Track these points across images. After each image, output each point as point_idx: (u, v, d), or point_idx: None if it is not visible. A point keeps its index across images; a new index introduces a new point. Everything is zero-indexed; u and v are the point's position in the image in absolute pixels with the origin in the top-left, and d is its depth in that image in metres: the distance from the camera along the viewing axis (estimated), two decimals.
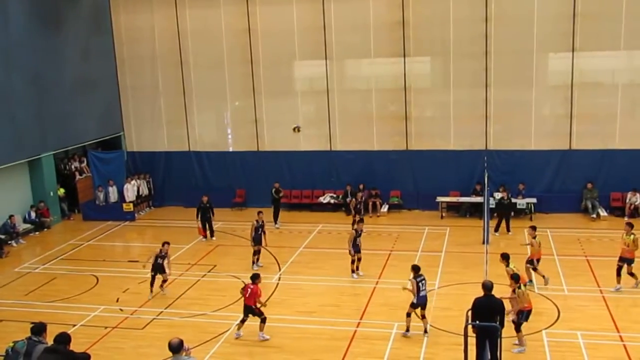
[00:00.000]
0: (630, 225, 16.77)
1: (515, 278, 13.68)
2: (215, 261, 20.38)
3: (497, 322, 11.76)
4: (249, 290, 14.44)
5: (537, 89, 24.11)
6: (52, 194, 25.48)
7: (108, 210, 26.05)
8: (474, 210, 24.28)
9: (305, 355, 13.89)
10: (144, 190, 27.37)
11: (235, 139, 27.62)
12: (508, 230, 22.07)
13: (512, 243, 20.32)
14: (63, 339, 9.74)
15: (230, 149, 27.63)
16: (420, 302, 14.21)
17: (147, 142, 28.32)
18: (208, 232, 22.72)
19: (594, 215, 23.36)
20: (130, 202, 26.04)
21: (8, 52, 22.80)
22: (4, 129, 22.61)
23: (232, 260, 20.44)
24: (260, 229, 19.52)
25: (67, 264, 20.89)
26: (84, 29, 26.65)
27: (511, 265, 14.88)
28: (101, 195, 26.28)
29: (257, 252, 19.56)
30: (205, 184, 27.28)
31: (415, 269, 14.30)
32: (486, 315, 11.90)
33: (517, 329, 13.51)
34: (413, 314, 14.38)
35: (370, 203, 25.23)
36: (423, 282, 14.22)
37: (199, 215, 22.57)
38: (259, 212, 20.08)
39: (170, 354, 9.15)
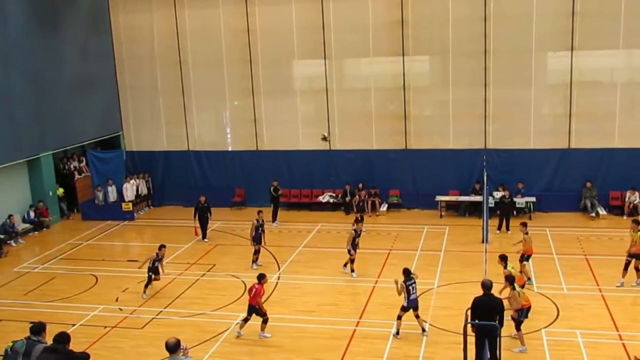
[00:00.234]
0: (637, 223, 16.88)
1: (510, 280, 13.69)
2: (214, 260, 20.38)
3: (497, 321, 11.77)
4: (254, 290, 14.46)
5: (536, 87, 24.11)
6: (51, 193, 25.47)
7: (107, 209, 26.04)
8: (473, 209, 24.29)
9: (305, 355, 13.89)
10: (143, 190, 27.35)
11: (235, 138, 27.62)
12: (508, 229, 22.08)
13: (511, 242, 20.28)
14: (62, 338, 9.76)
15: (230, 149, 27.63)
16: (410, 305, 14.21)
17: (146, 141, 28.31)
18: (201, 234, 22.53)
19: (593, 214, 23.37)
20: (129, 201, 26.04)
21: (7, 52, 22.79)
22: (3, 129, 22.59)
23: (231, 259, 20.43)
24: (260, 228, 19.52)
25: (66, 263, 20.88)
26: (83, 28, 26.64)
27: (509, 267, 14.84)
28: (100, 195, 26.27)
29: (257, 252, 19.56)
30: (204, 184, 27.29)
31: (406, 272, 14.27)
32: (485, 314, 11.91)
33: (517, 327, 13.52)
34: (407, 316, 14.35)
35: (370, 202, 25.25)
36: (413, 285, 14.18)
37: (197, 215, 22.54)
38: (259, 212, 20.07)
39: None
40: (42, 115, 24.36)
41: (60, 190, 26.39)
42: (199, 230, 22.52)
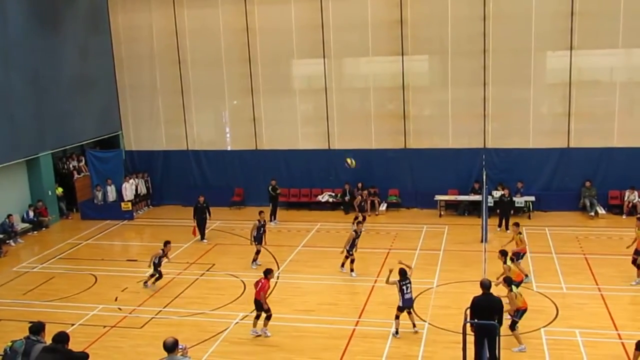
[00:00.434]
0: None
1: (507, 282, 13.80)
2: (213, 260, 20.38)
3: (496, 321, 11.78)
4: (260, 284, 14.47)
5: (535, 87, 24.12)
6: (50, 193, 25.46)
7: (106, 209, 26.03)
8: (473, 209, 24.30)
9: (304, 354, 13.89)
10: (142, 189, 27.34)
11: (234, 137, 27.60)
12: (507, 228, 22.07)
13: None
14: (61, 338, 9.74)
15: (229, 148, 27.62)
16: (405, 305, 14.25)
17: (146, 141, 28.30)
18: (199, 234, 22.49)
19: (592, 214, 23.38)
20: (128, 201, 26.03)
21: (6, 51, 22.77)
22: (2, 129, 22.57)
23: (230, 259, 20.43)
24: (262, 229, 19.52)
25: (66, 263, 20.87)
26: (82, 28, 26.63)
27: (509, 262, 15.05)
28: (99, 195, 26.27)
29: (258, 252, 19.53)
30: (203, 183, 27.30)
31: (402, 273, 14.29)
32: (485, 313, 11.92)
33: (512, 327, 13.56)
34: (405, 316, 14.39)
35: (369, 201, 25.24)
36: (408, 285, 14.21)
37: (195, 216, 22.52)
38: (261, 212, 20.09)
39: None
40: (41, 114, 24.35)
41: (60, 190, 26.38)
42: (198, 231, 22.52)
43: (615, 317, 14.99)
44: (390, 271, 14.33)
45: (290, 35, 25.74)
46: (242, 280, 18.32)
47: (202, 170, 27.59)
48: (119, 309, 16.76)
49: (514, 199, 23.30)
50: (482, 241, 20.06)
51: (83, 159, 27.78)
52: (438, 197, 24.69)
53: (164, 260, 18.20)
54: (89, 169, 27.05)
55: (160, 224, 25.33)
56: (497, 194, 23.01)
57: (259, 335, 14.64)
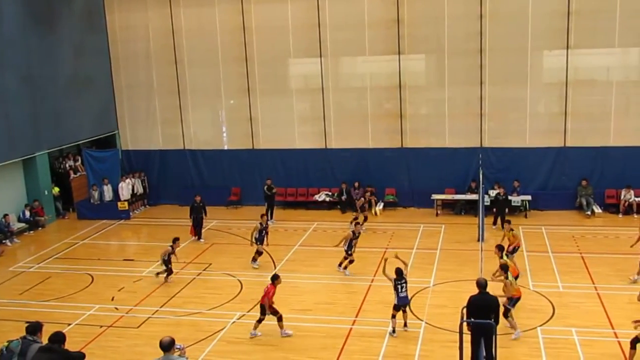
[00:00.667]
0: None
1: (504, 268, 14.21)
2: (210, 259, 20.35)
3: (492, 320, 11.80)
4: (265, 289, 14.54)
5: (532, 86, 24.14)
6: (46, 192, 25.39)
7: (103, 208, 25.99)
8: (469, 208, 24.34)
9: (301, 353, 13.89)
10: (139, 189, 27.30)
11: (230, 137, 27.58)
12: (503, 226, 22.07)
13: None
14: (58, 338, 9.73)
15: (225, 147, 27.59)
16: (401, 303, 14.29)
17: (142, 140, 28.24)
18: (196, 234, 22.42)
19: (589, 212, 23.41)
20: (125, 200, 25.99)
21: (1, 50, 22.71)
22: None
23: (227, 258, 20.41)
24: (263, 231, 19.49)
25: (62, 262, 20.83)
26: (78, 27, 26.57)
27: (504, 257, 15.35)
28: (96, 194, 26.22)
29: (260, 253, 19.47)
30: (200, 182, 27.28)
31: (398, 272, 14.31)
32: (481, 312, 11.93)
33: (505, 315, 13.66)
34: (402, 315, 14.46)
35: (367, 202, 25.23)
36: (403, 284, 14.23)
37: (192, 215, 22.49)
38: (263, 215, 20.14)
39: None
40: (37, 114, 24.30)
41: (56, 190, 26.32)
42: (195, 230, 22.49)
43: (612, 315, 15.02)
44: (386, 260, 14.48)
45: (287, 35, 25.72)
46: (239, 280, 18.31)
47: (199, 170, 27.56)
48: (116, 308, 16.73)
49: (511, 197, 23.31)
50: (478, 240, 20.05)
51: (79, 158, 27.74)
52: (435, 196, 24.70)
53: (173, 257, 18.43)
54: (85, 169, 27.00)
55: (157, 224, 25.29)
56: (493, 193, 23.04)
57: (256, 336, 14.60)
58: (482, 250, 17.02)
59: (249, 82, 26.41)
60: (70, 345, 10.33)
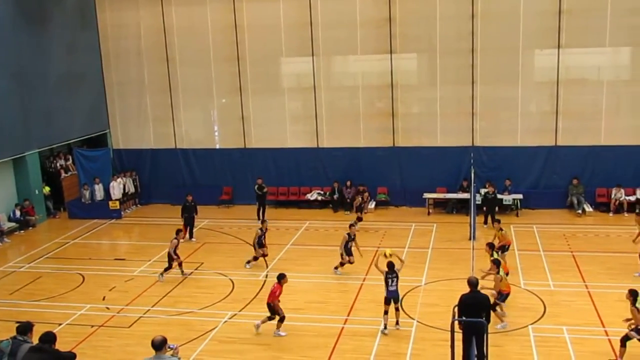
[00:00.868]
0: None
1: (496, 263, 14.64)
2: (202, 259, 20.30)
3: (483, 318, 11.83)
4: (272, 288, 14.54)
5: (523, 85, 24.21)
6: (37, 192, 25.26)
7: (94, 208, 25.87)
8: (461, 207, 24.40)
9: (293, 352, 13.89)
10: (130, 188, 27.19)
11: (222, 136, 27.52)
12: (493, 225, 22.15)
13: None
14: (48, 338, 9.69)
15: (217, 146, 27.53)
16: (390, 296, 14.34)
17: (133, 139, 28.14)
18: (187, 234, 22.34)
19: (580, 211, 23.50)
20: (116, 200, 25.89)
21: None
22: None
23: (219, 257, 20.37)
24: (262, 237, 19.44)
25: (53, 262, 20.73)
26: (69, 25, 26.42)
27: (495, 255, 15.46)
28: (87, 193, 26.11)
29: (263, 255, 19.44)
30: (192, 182, 27.21)
31: (390, 266, 14.39)
32: (472, 311, 11.95)
33: (493, 308, 13.80)
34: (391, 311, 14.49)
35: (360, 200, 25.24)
36: (393, 278, 14.31)
37: (184, 214, 22.43)
38: (264, 221, 20.19)
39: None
40: (28, 112, 24.16)
41: (47, 189, 26.19)
42: (186, 229, 22.42)
43: (602, 314, 15.09)
44: (386, 256, 14.68)
45: (279, 33, 25.68)
46: (230, 279, 18.28)
47: (191, 169, 27.49)
48: (107, 308, 16.67)
49: (502, 196, 23.40)
50: (470, 239, 20.09)
51: (70, 157, 27.61)
52: (426, 195, 24.74)
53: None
54: (76, 168, 26.88)
55: (149, 223, 25.20)
56: (485, 191, 23.09)
57: (281, 335, 14.58)
58: (473, 248, 17.05)
59: (240, 80, 26.35)
60: (61, 345, 10.29)
